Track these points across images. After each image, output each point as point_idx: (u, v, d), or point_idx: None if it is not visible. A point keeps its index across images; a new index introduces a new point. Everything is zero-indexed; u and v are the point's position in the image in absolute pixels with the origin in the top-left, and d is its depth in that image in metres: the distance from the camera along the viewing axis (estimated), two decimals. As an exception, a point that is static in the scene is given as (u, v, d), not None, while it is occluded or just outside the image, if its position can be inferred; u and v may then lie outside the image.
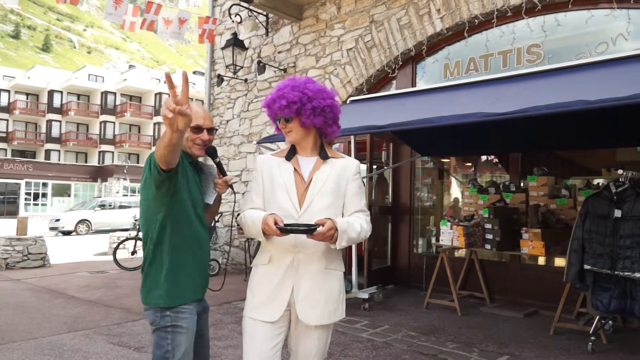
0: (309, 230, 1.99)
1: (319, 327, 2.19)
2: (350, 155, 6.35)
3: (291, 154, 2.26)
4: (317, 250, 2.15)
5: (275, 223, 2.01)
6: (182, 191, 2.20)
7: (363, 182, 7.15)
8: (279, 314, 2.15)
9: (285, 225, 2.01)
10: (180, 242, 2.23)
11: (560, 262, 5.76)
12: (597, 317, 4.54)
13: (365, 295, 6.03)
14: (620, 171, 4.52)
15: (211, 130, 2.36)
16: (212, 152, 2.38)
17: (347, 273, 6.17)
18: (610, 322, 4.95)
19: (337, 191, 2.21)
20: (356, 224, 2.15)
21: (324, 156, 2.25)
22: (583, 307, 5.06)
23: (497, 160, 7.60)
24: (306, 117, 2.17)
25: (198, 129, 2.29)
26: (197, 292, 2.30)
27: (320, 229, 1.98)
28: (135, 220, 10.19)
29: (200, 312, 2.38)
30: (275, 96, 2.19)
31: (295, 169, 2.23)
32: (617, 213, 4.30)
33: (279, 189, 2.19)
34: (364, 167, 7.28)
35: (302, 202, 2.17)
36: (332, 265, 2.22)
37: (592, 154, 6.59)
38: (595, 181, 6.38)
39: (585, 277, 4.51)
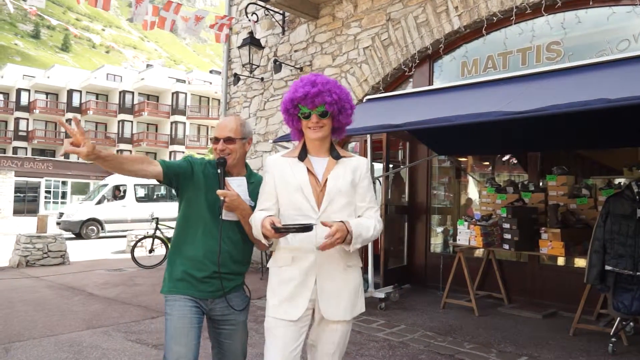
0: (304, 228, 2.02)
1: (341, 322, 2.23)
2: (367, 155, 6.33)
3: (303, 154, 2.25)
4: (337, 249, 2.15)
5: (273, 224, 2.03)
6: (193, 195, 2.45)
7: (379, 181, 7.07)
8: (302, 311, 2.18)
9: (284, 225, 2.05)
10: (185, 237, 2.44)
11: (580, 262, 5.67)
12: (618, 318, 4.47)
13: (382, 295, 6.01)
14: (642, 170, 4.44)
15: (229, 140, 2.44)
16: (219, 162, 2.44)
17: (364, 272, 6.15)
18: (631, 323, 4.87)
19: (352, 190, 2.22)
20: (369, 224, 2.17)
21: (336, 156, 2.25)
22: (603, 308, 4.98)
23: (515, 160, 7.51)
24: (345, 116, 2.22)
25: (216, 140, 2.48)
26: (189, 288, 2.40)
27: (326, 236, 2.00)
28: (153, 219, 10.23)
29: (213, 314, 2.48)
30: (321, 89, 2.12)
31: (308, 169, 2.22)
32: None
33: (293, 190, 2.19)
34: (380, 166, 7.25)
35: (319, 203, 2.17)
36: (351, 262, 2.25)
37: (613, 152, 6.46)
38: (617, 180, 6.26)
39: (607, 278, 4.45)
